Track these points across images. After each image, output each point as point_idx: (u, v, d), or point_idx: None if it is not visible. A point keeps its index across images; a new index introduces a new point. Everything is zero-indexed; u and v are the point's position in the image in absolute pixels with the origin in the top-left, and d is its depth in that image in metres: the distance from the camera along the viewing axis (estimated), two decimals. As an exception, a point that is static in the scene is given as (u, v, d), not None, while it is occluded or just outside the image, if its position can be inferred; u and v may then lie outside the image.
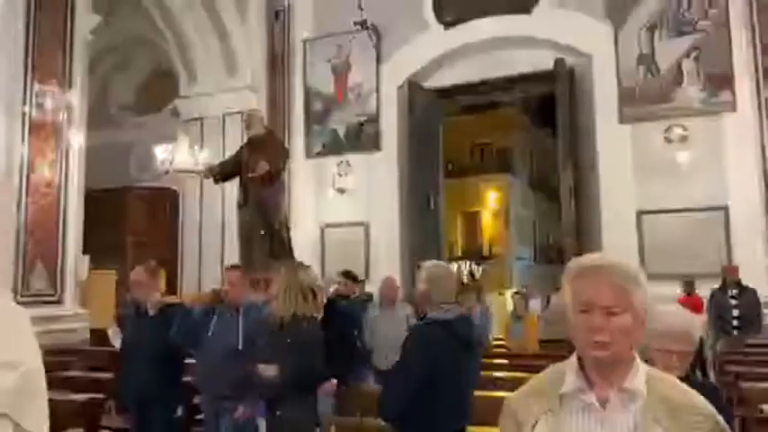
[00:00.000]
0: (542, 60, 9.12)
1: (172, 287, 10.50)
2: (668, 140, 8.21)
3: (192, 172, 8.88)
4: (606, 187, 8.66)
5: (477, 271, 19.16)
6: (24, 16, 6.27)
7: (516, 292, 6.54)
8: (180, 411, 3.76)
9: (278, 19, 10.76)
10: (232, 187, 9.53)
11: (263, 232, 6.30)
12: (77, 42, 6.80)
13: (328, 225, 10.48)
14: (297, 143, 10.64)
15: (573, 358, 1.25)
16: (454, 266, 18.03)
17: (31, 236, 6.16)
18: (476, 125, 22.17)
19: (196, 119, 10.59)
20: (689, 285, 7.26)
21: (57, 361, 5.71)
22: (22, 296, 6.06)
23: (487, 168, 24.03)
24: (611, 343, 1.17)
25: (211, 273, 9.98)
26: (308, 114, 10.72)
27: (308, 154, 10.66)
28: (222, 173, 6.89)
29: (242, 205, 6.48)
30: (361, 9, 9.75)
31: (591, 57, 8.81)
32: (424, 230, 10.10)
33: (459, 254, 22.13)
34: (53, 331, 6.19)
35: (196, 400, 4.05)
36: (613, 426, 1.17)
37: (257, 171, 6.00)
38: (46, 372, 3.04)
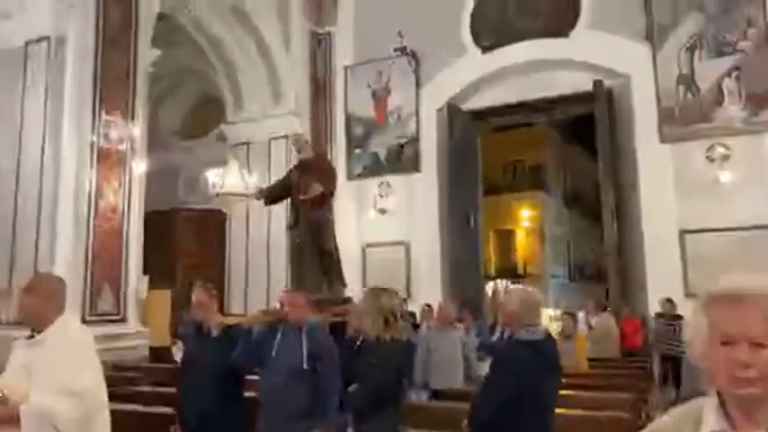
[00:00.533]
0: (581, 82, 9.28)
1: (219, 307, 10.87)
2: (710, 159, 8.24)
3: (242, 195, 9.26)
4: (648, 207, 8.71)
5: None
6: (93, 52, 6.73)
7: (566, 313, 6.65)
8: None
9: (320, 47, 11.16)
10: (279, 209, 9.93)
11: (314, 252, 6.33)
12: (140, 76, 7.24)
13: (369, 245, 10.73)
14: (339, 165, 10.91)
15: (711, 396, 1.11)
16: (490, 285, 18.06)
17: (98, 259, 6.54)
18: (508, 142, 22.23)
19: (243, 143, 11.00)
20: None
21: (122, 376, 6.04)
22: (89, 316, 6.42)
23: (521, 186, 23.96)
24: (761, 379, 1.04)
25: (258, 292, 10.32)
26: (350, 138, 11.05)
27: (350, 176, 10.96)
28: (271, 196, 7.02)
29: (293, 226, 6.56)
30: (401, 36, 10.09)
31: (629, 77, 8.93)
32: (463, 249, 10.26)
33: (494, 272, 22.11)
34: (117, 348, 6.53)
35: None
36: None
37: (310, 193, 6.06)
38: (113, 386, 3.36)
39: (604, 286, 18.08)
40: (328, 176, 6.60)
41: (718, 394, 1.10)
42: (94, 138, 6.60)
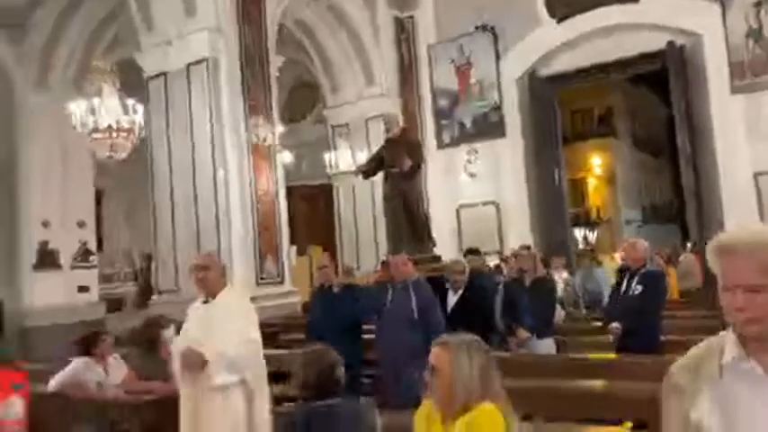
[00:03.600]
0: (654, 43, 10.04)
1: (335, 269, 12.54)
2: (780, 107, 8.95)
3: (351, 172, 10.75)
4: (723, 152, 9.53)
5: (592, 236, 19.96)
6: (240, 67, 8.23)
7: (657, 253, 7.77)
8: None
9: (404, 30, 12.29)
10: (380, 181, 11.36)
11: (407, 218, 6.79)
12: (272, 81, 8.71)
13: (462, 206, 12.01)
14: (429, 136, 12.21)
15: (730, 331, 1.26)
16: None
17: (261, 234, 8.18)
18: (576, 91, 22.56)
19: (342, 125, 12.39)
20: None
21: (282, 323, 7.59)
22: (260, 280, 8.10)
23: (590, 134, 24.18)
24: (759, 319, 1.19)
25: (367, 256, 11.85)
26: (437, 110, 12.23)
27: (440, 145, 12.20)
28: (369, 170, 7.59)
29: (388, 197, 7.04)
30: (480, 13, 11.09)
31: (701, 36, 9.64)
32: (549, 203, 11.39)
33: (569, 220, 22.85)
34: (279, 305, 8.22)
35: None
36: None
37: (403, 167, 6.52)
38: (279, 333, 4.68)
39: (680, 226, 18.62)
40: (415, 150, 7.14)
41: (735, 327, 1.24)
42: (248, 136, 8.14)
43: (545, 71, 11.44)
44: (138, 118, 6.49)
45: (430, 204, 12.09)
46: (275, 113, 8.83)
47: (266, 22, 8.65)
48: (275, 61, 8.97)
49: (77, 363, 4.06)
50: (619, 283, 4.46)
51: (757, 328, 1.19)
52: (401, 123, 8.63)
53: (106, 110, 6.19)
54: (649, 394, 1.95)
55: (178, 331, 4.28)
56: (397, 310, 4.23)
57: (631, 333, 4.14)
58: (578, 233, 19.04)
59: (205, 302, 3.17)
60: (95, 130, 6.14)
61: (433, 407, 1.87)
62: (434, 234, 11.98)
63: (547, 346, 4.86)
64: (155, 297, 8.73)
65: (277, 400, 3.48)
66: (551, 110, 11.69)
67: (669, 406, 1.29)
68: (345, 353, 3.99)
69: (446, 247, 11.74)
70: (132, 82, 8.41)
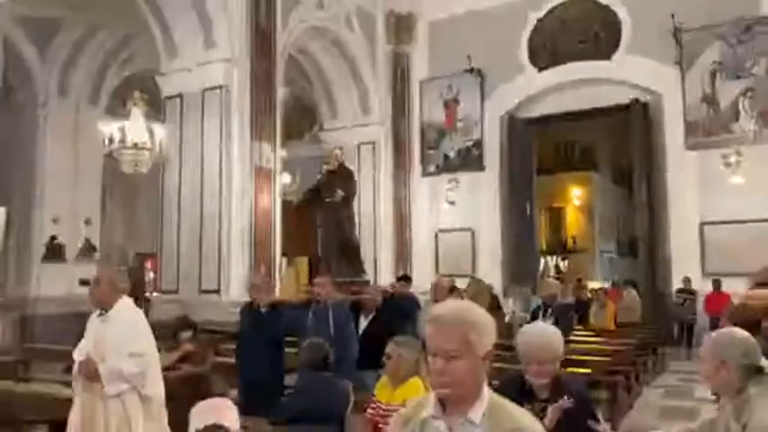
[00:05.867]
0: (623, 96, 11.22)
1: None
2: (727, 164, 10.12)
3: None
4: (673, 201, 10.68)
5: (563, 264, 21.06)
6: (249, 95, 9.22)
7: (599, 289, 8.81)
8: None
9: (400, 64, 13.37)
10: (370, 199, 12.41)
11: (338, 245, 7.27)
12: (277, 110, 9.70)
13: (441, 230, 13.06)
14: (415, 164, 13.28)
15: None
16: (542, 261, 20.07)
17: (257, 246, 9.12)
18: (561, 127, 23.65)
19: (336, 148, 13.38)
20: (716, 283, 9.25)
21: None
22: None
23: (572, 165, 25.19)
24: (452, 383, 1.36)
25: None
26: (424, 141, 13.30)
27: (424, 173, 13.26)
28: (306, 199, 8.14)
29: (322, 224, 7.55)
30: (469, 58, 12.21)
31: (661, 95, 10.83)
32: (521, 233, 12.47)
33: (545, 248, 23.91)
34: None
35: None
36: None
37: (335, 197, 7.00)
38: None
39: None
40: (348, 182, 7.54)
41: None
42: (252, 158, 9.11)
43: (525, 113, 12.57)
44: (160, 138, 7.42)
45: (412, 227, 13.20)
46: (278, 139, 9.81)
47: (276, 55, 9.66)
48: (281, 91, 9.96)
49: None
50: (535, 315, 5.49)
51: (448, 391, 1.37)
52: (340, 158, 9.19)
53: (133, 130, 7.12)
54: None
55: (194, 332, 5.21)
56: (316, 328, 4.52)
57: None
58: (551, 261, 20.09)
59: (100, 315, 3.31)
60: (123, 147, 7.06)
61: (386, 379, 3.04)
62: (414, 255, 13.12)
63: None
64: (155, 294, 9.63)
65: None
66: (528, 148, 12.81)
67: None
68: (269, 367, 4.53)
69: (425, 267, 12.88)
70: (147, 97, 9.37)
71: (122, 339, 3.16)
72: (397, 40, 13.33)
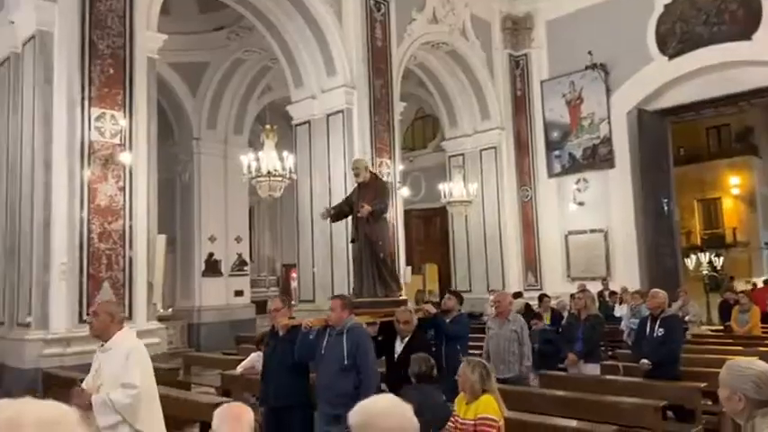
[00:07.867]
0: (765, 78, 10.18)
1: (446, 283, 13.81)
2: None
3: (463, 202, 12.00)
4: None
5: (718, 261, 19.26)
6: (369, 115, 9.77)
7: (741, 291, 8.09)
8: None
9: (518, 67, 13.27)
10: (493, 209, 12.48)
11: (371, 262, 6.57)
12: (395, 123, 10.16)
13: (570, 232, 12.71)
14: (540, 166, 13.07)
15: None
16: (692, 258, 18.57)
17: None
18: (703, 114, 21.74)
19: (458, 154, 13.63)
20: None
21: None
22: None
23: (726, 151, 23.14)
24: None
25: (479, 272, 12.99)
26: (548, 142, 13.06)
27: (550, 174, 13.00)
28: (336, 213, 7.35)
29: (354, 239, 6.94)
30: (591, 54, 11.80)
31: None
32: (658, 230, 11.75)
33: (698, 243, 22.04)
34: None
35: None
36: None
37: (362, 212, 6.47)
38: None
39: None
40: (381, 195, 6.93)
41: None
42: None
43: (655, 105, 11.86)
44: (290, 164, 8.20)
45: (539, 232, 12.99)
46: (397, 153, 10.29)
47: (392, 74, 10.17)
48: (399, 107, 10.43)
49: (253, 355, 5.87)
50: (643, 327, 5.30)
51: None
52: (370, 168, 8.35)
53: (266, 160, 7.95)
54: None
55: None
56: (329, 354, 4.36)
57: (657, 366, 5.15)
58: (703, 257, 18.49)
59: (101, 346, 3.33)
60: (259, 174, 7.92)
61: (462, 395, 3.33)
62: (543, 260, 12.91)
63: (591, 369, 5.84)
64: (293, 302, 10.57)
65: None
66: (661, 141, 12.06)
67: None
68: (291, 391, 4.49)
69: (555, 272, 12.64)
70: (275, 121, 10.31)
71: (117, 370, 3.16)
72: (515, 42, 13.25)
